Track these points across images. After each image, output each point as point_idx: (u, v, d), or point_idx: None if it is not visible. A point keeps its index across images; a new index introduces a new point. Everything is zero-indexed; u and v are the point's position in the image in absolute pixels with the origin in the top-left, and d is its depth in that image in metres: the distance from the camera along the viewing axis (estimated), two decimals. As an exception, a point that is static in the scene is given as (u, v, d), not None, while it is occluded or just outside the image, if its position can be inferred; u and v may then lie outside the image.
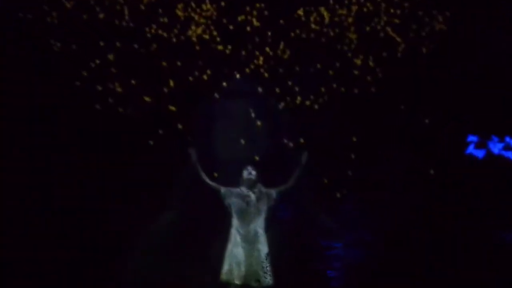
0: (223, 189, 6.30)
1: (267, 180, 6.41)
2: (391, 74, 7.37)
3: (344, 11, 7.47)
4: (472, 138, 6.67)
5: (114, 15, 7.30)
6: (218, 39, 7.38)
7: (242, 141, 7.15)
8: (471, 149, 6.71)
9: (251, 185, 6.28)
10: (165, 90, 7.20)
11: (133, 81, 7.16)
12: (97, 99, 7.07)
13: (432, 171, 7.13)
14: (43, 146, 6.98)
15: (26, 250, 6.53)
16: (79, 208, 6.83)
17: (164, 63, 7.24)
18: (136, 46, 7.29)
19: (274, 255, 6.17)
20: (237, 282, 5.97)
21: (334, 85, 7.37)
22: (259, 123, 7.24)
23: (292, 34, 7.46)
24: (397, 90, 7.35)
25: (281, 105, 7.34)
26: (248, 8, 7.46)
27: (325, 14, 7.44)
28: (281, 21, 7.42)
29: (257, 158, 6.96)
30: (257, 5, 7.44)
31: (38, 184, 6.85)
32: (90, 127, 7.08)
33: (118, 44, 7.25)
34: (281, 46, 7.40)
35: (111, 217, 6.88)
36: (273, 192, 6.32)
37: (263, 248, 6.13)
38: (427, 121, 7.30)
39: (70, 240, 6.71)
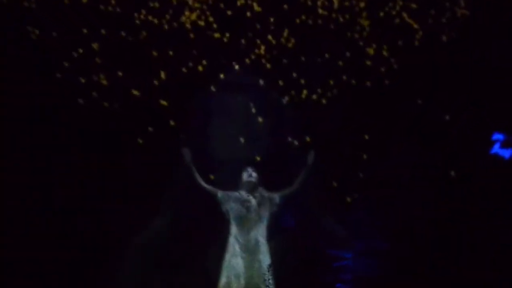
0: (220, 193, 6.29)
1: (270, 183, 6.41)
2: (407, 64, 7.34)
3: (355, -5, 7.43)
4: (497, 136, 6.93)
5: (98, -1, 7.30)
6: (214, 25, 7.35)
7: (242, 140, 7.10)
8: (496, 148, 7.02)
9: (251, 189, 6.26)
10: (156, 82, 7.16)
11: (119, 73, 7.12)
12: (79, 93, 7.03)
13: (453, 173, 7.10)
14: (17, 143, 6.98)
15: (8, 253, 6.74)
16: (51, 214, 6.88)
17: (154, 53, 7.19)
18: (123, 33, 7.23)
19: (277, 266, 6.19)
20: (235, 296, 6.00)
21: (344, 77, 7.34)
22: (260, 119, 7.21)
23: (297, 20, 7.44)
24: (413, 83, 7.31)
25: (285, 99, 7.32)
26: (248, -9, 7.47)
27: (334, -3, 7.42)
28: (285, 6, 7.40)
29: (258, 158, 6.95)
30: (259, -13, 7.46)
31: (12, 183, 6.90)
32: (71, 123, 7.05)
33: (103, 31, 7.18)
34: (285, 33, 7.36)
35: (91, 225, 6.91)
36: (276, 197, 6.31)
37: (265, 258, 6.13)
38: (447, 117, 7.25)
39: (53, 245, 6.82)
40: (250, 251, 6.12)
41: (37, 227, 6.83)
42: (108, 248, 6.80)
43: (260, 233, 6.17)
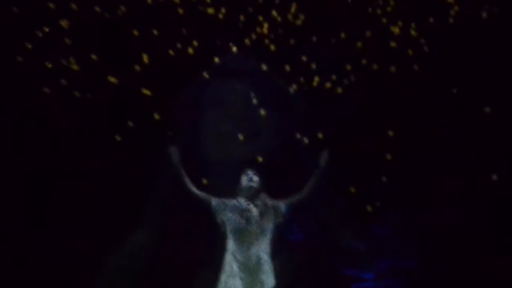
0: (214, 201, 6.04)
1: (274, 189, 6.09)
2: (440, 47, 7.32)
3: (378, -38, 7.41)
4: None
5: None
6: (207, -1, 7.26)
7: (240, 137, 7.10)
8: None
9: (252, 196, 6.02)
10: (137, 68, 7.14)
11: (93, 56, 7.10)
12: (45, 80, 7.01)
13: (495, 177, 7.03)
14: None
15: None
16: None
17: (135, 32, 7.18)
18: (98, 8, 7.24)
19: (283, 289, 6.22)
20: (233, 324, 5.90)
21: (364, 61, 7.31)
22: (262, 112, 7.19)
23: (308, -7, 7.36)
24: (447, 68, 7.28)
25: (293, 88, 7.29)
26: (248, -43, 7.56)
27: (352, -35, 7.40)
28: (293, -25, 7.38)
29: (260, 159, 6.93)
30: (261, -48, 7.54)
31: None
32: (36, 116, 7.06)
33: (73, 6, 7.17)
34: (293, 8, 7.36)
35: (55, 241, 6.91)
36: (282, 205, 6.06)
37: (268, 280, 5.92)
38: (487, 109, 7.18)
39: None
40: (250, 270, 5.88)
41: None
42: (78, 269, 6.82)
43: (262, 249, 5.92)
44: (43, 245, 6.88)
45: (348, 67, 7.30)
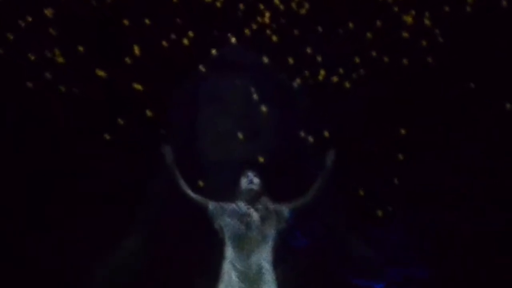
0: (212, 205, 5.95)
1: (276, 192, 5.98)
2: (456, 38, 7.26)
3: None
4: None
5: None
6: (204, -15, 7.17)
7: (240, 136, 7.06)
8: None
9: (252, 199, 5.91)
10: (128, 60, 7.13)
11: (80, 48, 7.09)
12: (29, 74, 7.04)
13: None
14: None
15: None
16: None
17: (125, 22, 7.19)
18: None
19: (286, 300, 6.11)
20: (233, 339, 5.86)
21: (373, 53, 7.27)
22: (264, 109, 7.14)
23: (313, -21, 7.25)
24: (464, 61, 7.25)
25: (296, 82, 7.26)
26: None
27: None
28: (296, -40, 7.29)
29: (261, 159, 6.92)
30: None
31: None
32: (17, 113, 7.13)
33: None
34: None
35: (60, 241, 6.95)
36: (285, 210, 5.96)
37: None
38: (508, 105, 7.16)
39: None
40: (250, 280, 5.78)
41: None
42: (78, 269, 6.83)
43: (263, 257, 5.82)
44: (43, 246, 6.87)
45: (356, 59, 7.26)
